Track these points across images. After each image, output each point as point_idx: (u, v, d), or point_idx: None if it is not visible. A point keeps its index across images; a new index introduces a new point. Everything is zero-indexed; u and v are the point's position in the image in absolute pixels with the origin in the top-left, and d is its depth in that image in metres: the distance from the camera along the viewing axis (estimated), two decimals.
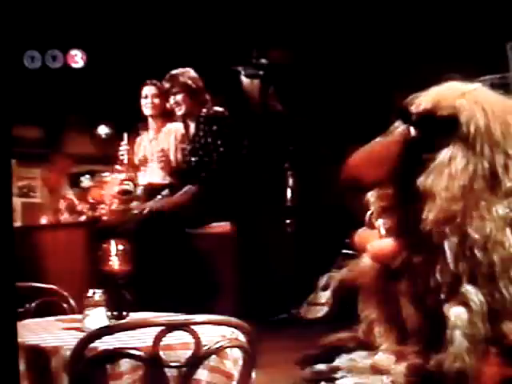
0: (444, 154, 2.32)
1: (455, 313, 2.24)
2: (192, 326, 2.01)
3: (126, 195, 4.95)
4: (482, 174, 2.28)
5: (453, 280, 2.27)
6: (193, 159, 4.71)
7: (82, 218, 5.26)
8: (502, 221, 2.28)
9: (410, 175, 2.41)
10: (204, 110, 4.79)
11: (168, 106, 4.90)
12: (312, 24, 6.19)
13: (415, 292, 2.35)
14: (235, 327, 2.12)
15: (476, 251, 2.25)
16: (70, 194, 5.79)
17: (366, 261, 2.59)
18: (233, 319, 2.13)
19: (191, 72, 4.90)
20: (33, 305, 3.01)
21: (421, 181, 2.35)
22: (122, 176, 5.01)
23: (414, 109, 2.46)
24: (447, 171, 2.30)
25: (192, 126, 4.83)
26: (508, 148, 2.32)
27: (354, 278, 2.66)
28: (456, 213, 2.27)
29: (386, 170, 2.44)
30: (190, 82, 4.84)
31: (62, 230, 5.15)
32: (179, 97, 4.81)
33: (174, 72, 4.89)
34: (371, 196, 2.60)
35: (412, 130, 2.46)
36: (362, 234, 2.68)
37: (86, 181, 5.49)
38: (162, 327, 1.99)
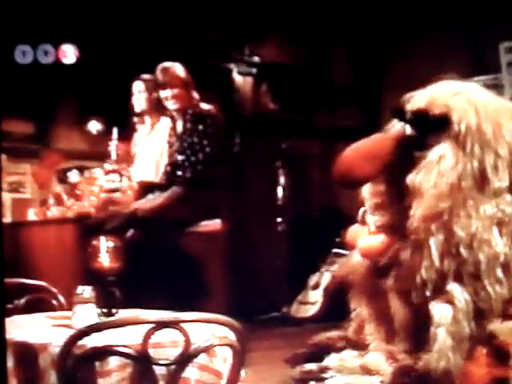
0: (434, 152, 2.32)
1: (440, 310, 2.24)
2: (181, 324, 2.00)
3: (111, 193, 4.92)
4: (471, 172, 2.28)
5: (438, 277, 2.26)
6: (179, 158, 4.62)
7: (70, 213, 5.23)
8: (489, 220, 2.28)
9: (401, 172, 2.41)
10: (191, 107, 4.68)
11: (161, 98, 4.77)
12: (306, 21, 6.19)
13: (402, 288, 2.34)
14: (225, 325, 2.11)
15: (461, 249, 2.24)
16: (59, 189, 5.76)
17: (356, 258, 2.58)
18: (222, 317, 2.12)
19: (180, 66, 4.81)
20: (22, 301, 3.00)
21: (410, 178, 2.35)
22: (106, 173, 4.97)
23: (408, 107, 2.45)
24: (436, 169, 2.29)
25: (179, 123, 4.73)
26: (498, 148, 2.31)
27: (345, 275, 2.65)
28: (443, 210, 2.28)
29: (377, 166, 2.44)
30: (184, 75, 4.75)
31: (52, 226, 5.12)
32: (176, 90, 4.69)
33: (166, 65, 4.77)
34: (365, 193, 2.59)
35: (407, 128, 2.44)
36: (353, 231, 2.66)
37: (73, 176, 5.45)
38: (152, 325, 1.98)
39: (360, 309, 2.63)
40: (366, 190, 2.58)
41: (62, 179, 5.74)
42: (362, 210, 2.61)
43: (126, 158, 5.02)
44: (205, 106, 4.71)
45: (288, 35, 6.53)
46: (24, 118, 6.43)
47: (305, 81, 6.64)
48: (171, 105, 4.73)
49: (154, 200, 4.67)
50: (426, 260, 2.26)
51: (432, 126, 2.36)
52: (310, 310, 5.40)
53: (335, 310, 5.14)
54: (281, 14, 6.03)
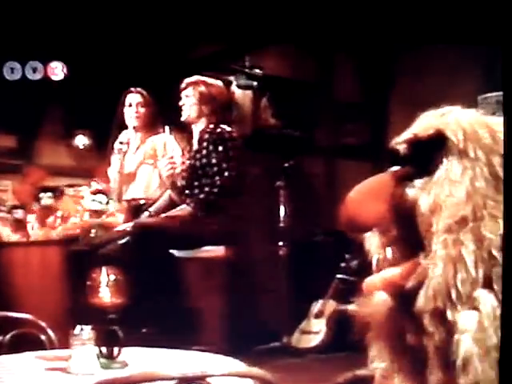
0: (440, 170, 2.24)
1: (464, 317, 2.11)
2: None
3: (96, 214, 4.72)
4: (481, 174, 2.19)
5: (472, 288, 2.14)
6: (192, 177, 4.45)
7: (54, 234, 4.98)
8: None
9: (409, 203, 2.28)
10: (211, 126, 4.52)
11: (195, 113, 4.57)
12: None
13: (434, 308, 2.16)
14: (258, 379, 1.86)
15: (494, 252, 2.13)
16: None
17: (378, 297, 2.39)
18: (254, 370, 1.87)
19: (216, 83, 4.75)
20: (7, 337, 2.75)
21: (423, 200, 2.24)
22: (93, 193, 4.76)
23: (400, 148, 2.36)
24: (447, 180, 2.21)
25: (198, 142, 4.55)
26: (501, 149, 2.19)
27: (365, 316, 2.44)
28: (466, 217, 2.17)
29: (384, 204, 2.31)
30: (215, 93, 4.65)
31: (36, 248, 4.81)
32: (201, 107, 4.56)
33: (200, 77, 4.66)
34: (372, 245, 2.44)
35: (406, 168, 2.34)
36: (370, 281, 2.46)
37: (46, 198, 5.27)
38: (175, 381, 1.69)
39: (382, 359, 2.41)
40: (372, 242, 2.44)
41: (38, 199, 5.55)
42: (375, 258, 2.44)
43: (106, 176, 4.83)
44: (226, 128, 4.55)
45: (290, 47, 6.42)
46: (6, 131, 6.24)
47: (307, 95, 6.51)
48: (194, 122, 4.56)
49: (155, 217, 4.47)
50: (461, 272, 2.13)
51: (429, 149, 2.27)
52: (313, 340, 5.10)
53: (340, 340, 4.89)
54: (283, 24, 5.91)
